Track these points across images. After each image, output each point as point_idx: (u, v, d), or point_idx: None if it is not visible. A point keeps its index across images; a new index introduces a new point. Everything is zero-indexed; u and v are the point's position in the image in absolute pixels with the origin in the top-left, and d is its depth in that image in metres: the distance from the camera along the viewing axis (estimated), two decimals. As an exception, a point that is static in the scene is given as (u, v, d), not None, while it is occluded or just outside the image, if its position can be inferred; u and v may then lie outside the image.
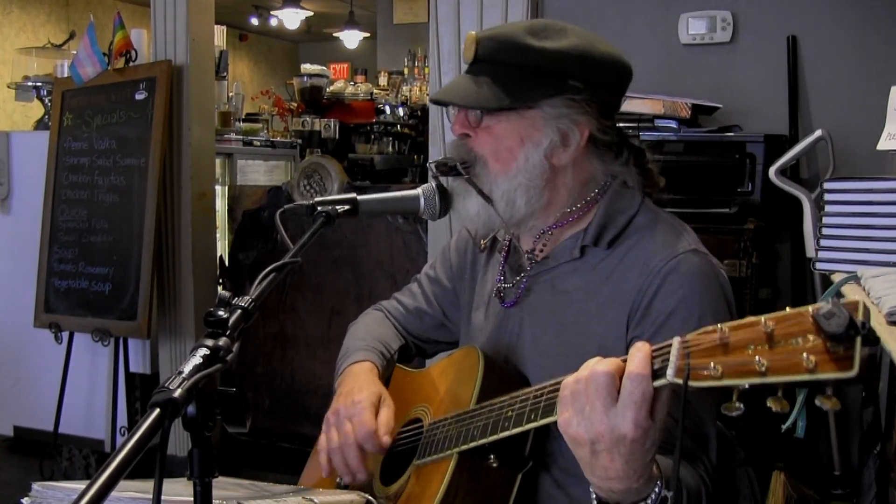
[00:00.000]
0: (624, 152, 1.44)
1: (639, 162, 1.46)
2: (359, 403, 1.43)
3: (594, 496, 1.08)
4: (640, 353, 0.98)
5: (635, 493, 1.02)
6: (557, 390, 1.14)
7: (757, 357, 0.87)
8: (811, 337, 0.84)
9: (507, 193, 1.36)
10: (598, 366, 1.00)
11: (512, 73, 1.35)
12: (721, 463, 1.29)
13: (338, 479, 1.51)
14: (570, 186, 1.40)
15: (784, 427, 1.14)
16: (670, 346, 0.97)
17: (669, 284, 1.30)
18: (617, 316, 1.33)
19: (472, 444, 1.27)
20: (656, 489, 1.03)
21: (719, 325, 0.92)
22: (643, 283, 1.31)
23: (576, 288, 1.39)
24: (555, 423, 1.15)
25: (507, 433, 1.22)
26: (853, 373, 0.80)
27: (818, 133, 2.33)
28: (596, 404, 0.98)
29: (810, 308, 0.85)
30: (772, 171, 2.32)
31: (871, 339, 0.81)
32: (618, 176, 1.43)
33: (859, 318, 0.81)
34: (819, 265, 1.73)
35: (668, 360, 0.96)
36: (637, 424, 0.96)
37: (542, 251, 1.44)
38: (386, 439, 1.42)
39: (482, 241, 1.59)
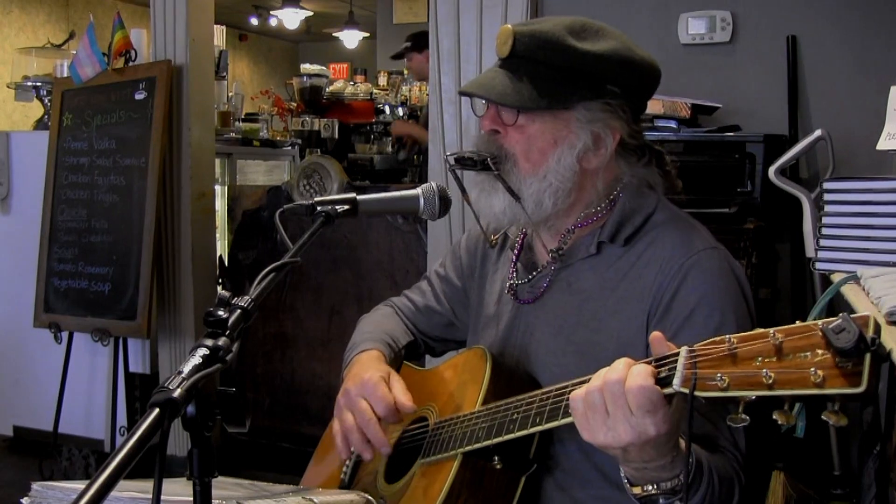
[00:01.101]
0: (646, 154, 1.44)
1: (659, 164, 1.47)
2: (369, 380, 1.41)
3: (626, 479, 1.11)
4: (637, 366, 1.01)
5: (669, 469, 1.06)
6: (563, 394, 1.15)
7: (765, 370, 0.87)
8: (820, 351, 0.84)
9: (536, 193, 1.35)
10: (610, 373, 1.02)
11: (551, 72, 1.33)
12: (752, 455, 1.30)
13: (342, 475, 1.51)
14: (598, 189, 1.40)
15: (784, 428, 1.13)
16: (678, 355, 0.97)
17: (691, 281, 1.30)
18: (635, 313, 1.33)
19: (477, 445, 1.27)
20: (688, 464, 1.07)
21: (728, 336, 0.92)
22: (663, 280, 1.31)
23: (592, 286, 1.39)
24: (560, 426, 1.15)
25: (511, 435, 1.22)
26: (861, 389, 0.80)
27: (818, 133, 2.33)
28: (617, 415, 1.01)
29: (820, 322, 0.84)
30: (771, 170, 2.32)
31: (881, 355, 0.81)
32: (638, 177, 1.43)
33: (869, 333, 0.81)
34: (819, 265, 1.73)
35: (675, 368, 0.97)
36: (658, 426, 1.00)
37: (562, 250, 1.44)
38: (410, 404, 1.40)
39: (493, 237, 1.58)
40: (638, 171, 1.42)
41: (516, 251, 1.53)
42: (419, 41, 5.16)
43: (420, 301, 1.72)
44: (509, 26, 1.37)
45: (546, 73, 1.33)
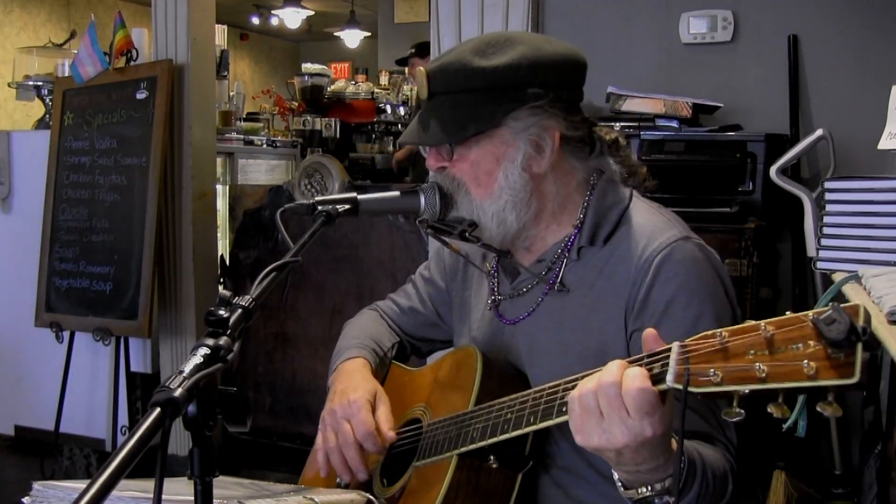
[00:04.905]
0: (597, 143, 1.44)
1: (614, 152, 1.46)
2: (355, 403, 1.43)
3: (619, 483, 1.11)
4: (632, 369, 1.00)
5: (662, 470, 1.06)
6: (556, 392, 1.15)
7: (757, 363, 0.86)
8: (812, 343, 0.83)
9: (496, 214, 1.37)
10: (605, 376, 1.02)
11: (470, 98, 1.34)
12: (744, 446, 1.30)
13: (338, 479, 1.51)
14: (555, 189, 1.40)
15: (785, 427, 1.13)
16: (669, 350, 0.97)
17: (665, 273, 1.30)
18: (613, 310, 1.33)
19: (472, 446, 1.27)
20: (680, 464, 1.06)
21: (719, 330, 0.92)
22: (636, 275, 1.32)
23: (571, 283, 1.39)
24: (555, 425, 1.15)
25: (506, 436, 1.22)
26: (854, 379, 0.80)
27: (819, 132, 2.33)
28: (612, 417, 1.00)
29: (811, 313, 0.84)
30: (773, 170, 2.32)
31: (873, 344, 0.81)
32: (599, 170, 1.43)
33: (860, 323, 0.80)
34: (820, 264, 1.73)
35: (667, 364, 0.96)
36: (655, 427, 0.99)
37: (534, 257, 1.44)
38: (390, 434, 1.43)
39: (487, 266, 1.57)
40: (592, 164, 1.43)
41: (495, 258, 1.52)
42: (423, 49, 5.22)
43: (404, 303, 1.73)
44: (422, 68, 1.40)
45: (465, 99, 1.35)
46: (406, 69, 5.42)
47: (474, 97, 1.34)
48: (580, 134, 1.41)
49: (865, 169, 2.41)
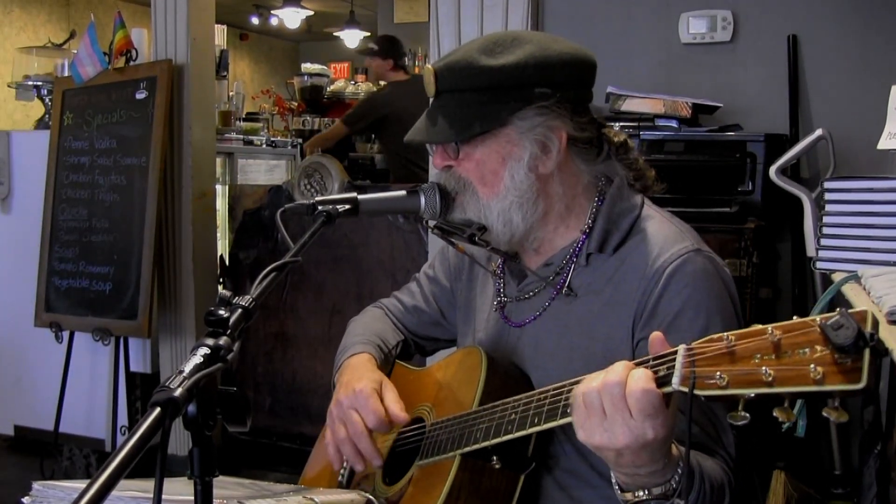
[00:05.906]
0: (604, 146, 1.44)
1: (622, 155, 1.45)
2: (362, 392, 1.42)
3: (617, 485, 1.11)
4: (638, 371, 1.00)
5: (660, 475, 1.06)
6: (560, 394, 1.15)
7: (764, 367, 0.86)
8: (819, 347, 0.83)
9: (501, 214, 1.36)
10: (610, 376, 1.02)
11: (476, 96, 1.34)
12: (739, 456, 1.30)
13: (340, 478, 1.51)
14: (562, 191, 1.40)
15: (785, 427, 1.13)
16: (676, 353, 0.97)
17: (675, 285, 1.30)
18: (620, 318, 1.33)
19: (476, 446, 1.27)
20: (679, 469, 1.07)
21: (725, 334, 0.92)
22: (647, 284, 1.31)
23: (577, 289, 1.39)
24: (559, 426, 1.15)
25: (510, 436, 1.22)
26: (861, 385, 0.79)
27: (819, 132, 2.33)
28: (615, 417, 1.00)
29: (818, 318, 0.84)
30: (772, 170, 2.32)
31: (880, 350, 0.81)
32: (608, 175, 1.43)
33: (868, 328, 0.80)
34: (820, 264, 1.73)
35: (673, 367, 0.96)
36: (657, 430, 0.99)
37: (542, 260, 1.44)
38: (403, 415, 1.41)
39: (493, 266, 1.57)
40: (599, 168, 1.42)
41: (501, 260, 1.52)
42: (385, 49, 5.24)
43: (409, 301, 1.73)
44: (430, 66, 1.39)
45: (471, 98, 1.34)
46: (365, 63, 5.48)
47: (480, 96, 1.34)
48: (587, 135, 1.40)
49: (865, 169, 2.41)
